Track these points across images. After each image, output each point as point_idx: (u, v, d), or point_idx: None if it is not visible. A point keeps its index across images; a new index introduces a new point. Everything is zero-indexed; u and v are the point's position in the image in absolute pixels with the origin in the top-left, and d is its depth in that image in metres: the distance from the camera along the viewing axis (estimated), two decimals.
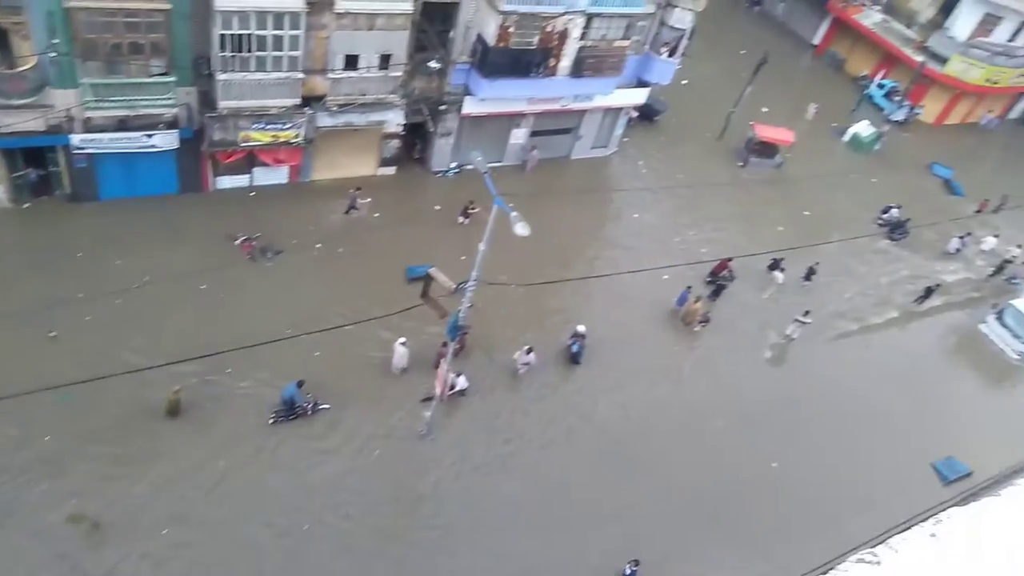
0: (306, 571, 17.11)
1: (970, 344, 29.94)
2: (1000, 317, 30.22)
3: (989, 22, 41.11)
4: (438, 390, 19.79)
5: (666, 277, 26.92)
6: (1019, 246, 34.37)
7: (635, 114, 33.84)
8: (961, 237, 34.26)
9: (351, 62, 23.99)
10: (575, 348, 23.49)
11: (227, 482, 18.21)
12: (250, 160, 25.43)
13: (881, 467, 23.35)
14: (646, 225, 30.58)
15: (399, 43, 24.12)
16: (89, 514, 16.81)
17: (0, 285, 20.86)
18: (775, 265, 28.92)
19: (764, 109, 37.71)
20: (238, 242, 23.93)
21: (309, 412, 20.04)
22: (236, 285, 22.85)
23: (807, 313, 26.71)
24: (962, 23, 41.67)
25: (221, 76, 22.03)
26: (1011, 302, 30.24)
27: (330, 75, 23.94)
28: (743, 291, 28.36)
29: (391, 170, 28.63)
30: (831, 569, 19.75)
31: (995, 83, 42.32)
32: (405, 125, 26.99)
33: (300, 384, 19.71)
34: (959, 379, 28.38)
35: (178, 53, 21.48)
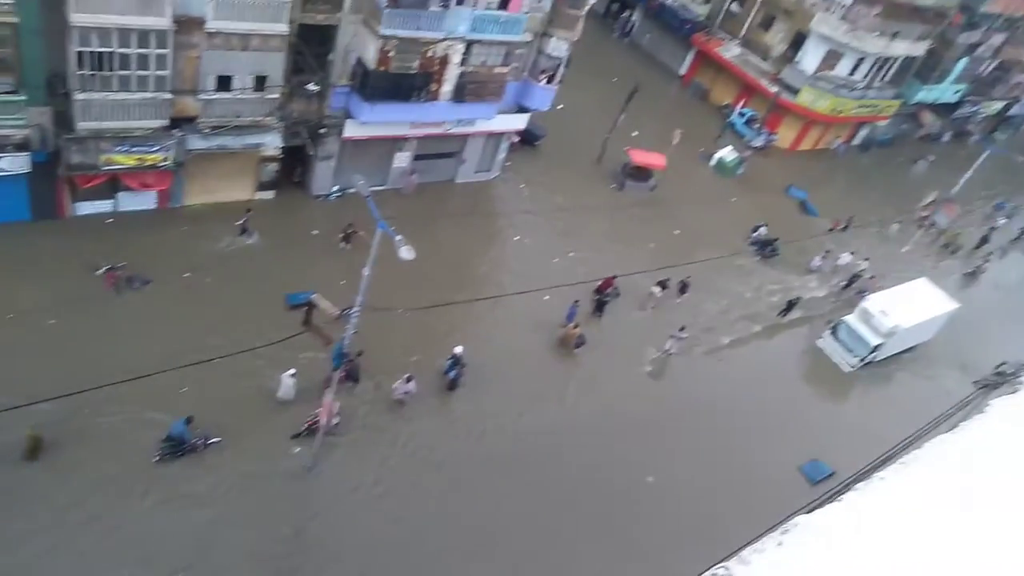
0: None
1: (821, 355, 32.13)
2: (835, 332, 31.78)
3: (832, 57, 45.15)
4: (323, 420, 19.22)
5: (547, 298, 27.33)
6: (866, 259, 37.64)
7: (516, 139, 34.60)
8: (823, 255, 37.12)
9: (224, 83, 23.19)
10: (452, 374, 23.24)
11: (98, 529, 16.83)
12: (113, 184, 23.93)
13: (754, 474, 24.68)
14: (529, 247, 31.18)
15: (275, 65, 23.57)
16: None
17: None
18: (664, 283, 30.17)
19: (634, 133, 39.40)
20: (101, 272, 22.39)
21: (201, 447, 19.06)
22: (100, 319, 21.32)
23: (683, 328, 28.04)
24: (810, 58, 45.56)
25: (79, 96, 20.67)
26: (844, 318, 31.83)
27: (202, 96, 23.01)
28: (625, 308, 29.41)
29: (269, 194, 27.75)
30: None
31: (840, 112, 46.48)
32: (284, 148, 26.30)
33: (189, 420, 18.74)
34: (815, 387, 30.60)
35: (29, 70, 19.98)
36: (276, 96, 24.29)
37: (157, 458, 18.55)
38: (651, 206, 36.82)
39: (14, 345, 19.70)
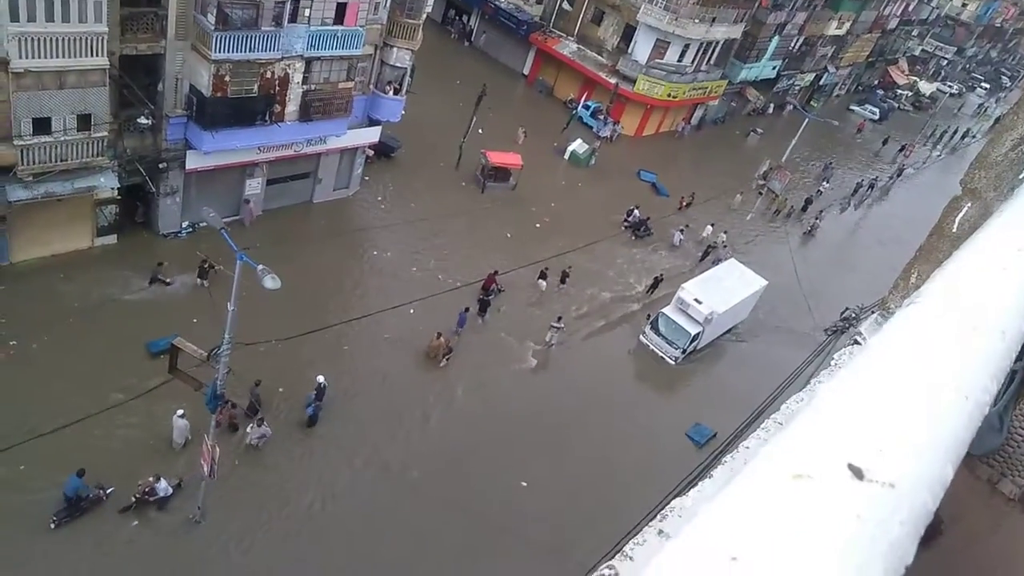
0: None
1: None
2: (654, 326, 30.46)
3: (661, 46, 47.79)
4: (205, 469, 18.11)
5: (412, 311, 26.40)
6: (725, 231, 40.05)
7: (372, 152, 34.12)
8: (680, 230, 39.13)
9: (43, 125, 21.30)
10: (310, 410, 22.03)
11: None
12: None
13: (646, 447, 25.58)
14: (393, 260, 30.71)
15: (98, 101, 21.92)
16: None
17: None
18: (543, 275, 30.73)
19: (479, 131, 39.63)
20: None
21: (105, 498, 17.78)
22: None
23: (560, 319, 28.73)
24: (641, 48, 47.97)
25: None
26: (662, 311, 30.62)
27: (18, 142, 21.04)
28: (508, 304, 29.79)
29: (112, 239, 25.78)
30: None
31: (675, 97, 49.27)
32: (121, 188, 24.52)
33: (81, 473, 17.27)
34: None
35: None
36: (104, 134, 22.62)
37: (55, 524, 17.07)
38: (514, 204, 37.43)
39: None
